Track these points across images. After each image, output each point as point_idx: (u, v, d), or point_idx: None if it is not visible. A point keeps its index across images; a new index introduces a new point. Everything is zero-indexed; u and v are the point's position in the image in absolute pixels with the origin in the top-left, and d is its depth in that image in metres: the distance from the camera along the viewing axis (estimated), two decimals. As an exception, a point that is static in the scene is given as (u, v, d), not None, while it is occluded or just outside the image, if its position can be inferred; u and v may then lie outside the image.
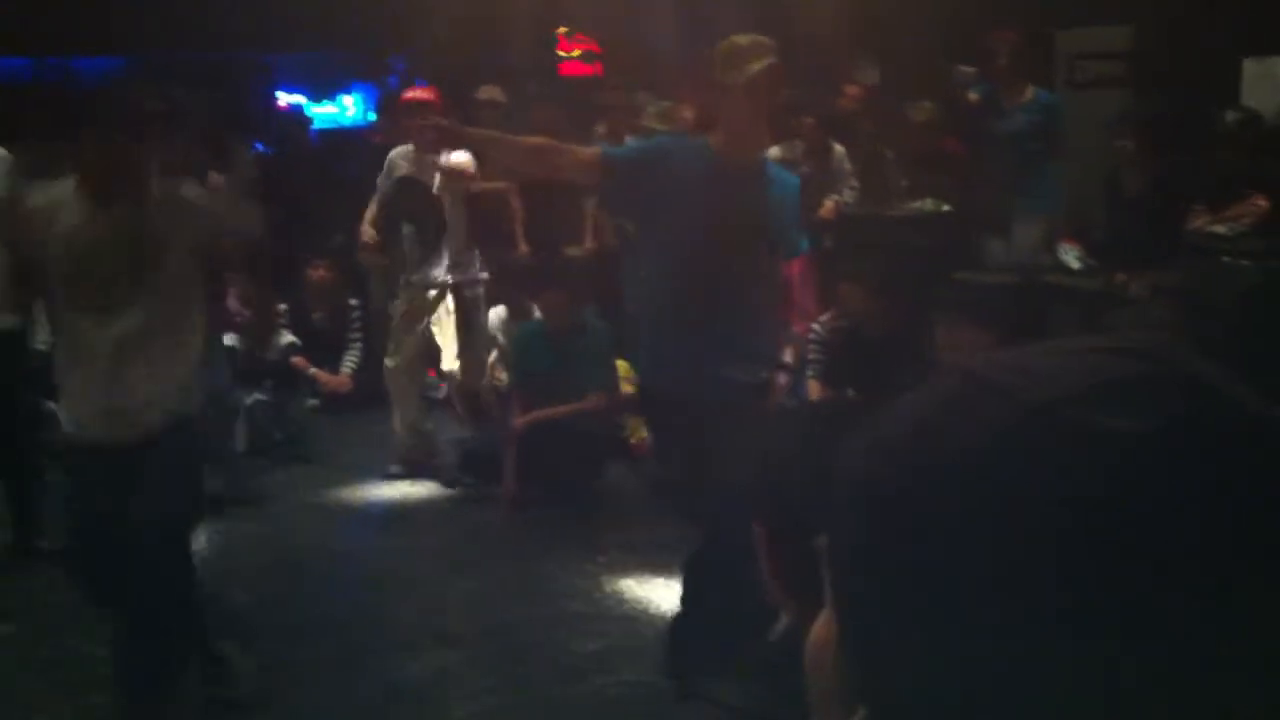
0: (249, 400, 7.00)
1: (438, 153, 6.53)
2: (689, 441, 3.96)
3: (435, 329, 6.75)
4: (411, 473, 6.68)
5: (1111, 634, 0.57)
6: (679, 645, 4.25)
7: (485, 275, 6.84)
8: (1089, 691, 0.58)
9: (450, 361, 6.84)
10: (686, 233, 3.88)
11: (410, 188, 6.64)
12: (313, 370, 7.75)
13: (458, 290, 6.65)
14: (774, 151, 7.87)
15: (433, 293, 6.66)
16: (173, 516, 3.81)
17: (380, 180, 6.80)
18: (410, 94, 7.00)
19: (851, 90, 8.63)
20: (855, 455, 0.67)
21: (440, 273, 6.63)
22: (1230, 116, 7.16)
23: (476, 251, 6.78)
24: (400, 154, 6.78)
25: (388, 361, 6.78)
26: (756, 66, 3.87)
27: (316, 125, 11.58)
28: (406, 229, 6.73)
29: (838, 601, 0.68)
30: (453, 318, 6.73)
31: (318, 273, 7.91)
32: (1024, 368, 0.64)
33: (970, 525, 0.59)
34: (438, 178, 6.57)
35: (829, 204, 7.84)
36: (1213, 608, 0.57)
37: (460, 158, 6.51)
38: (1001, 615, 0.58)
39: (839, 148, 8.03)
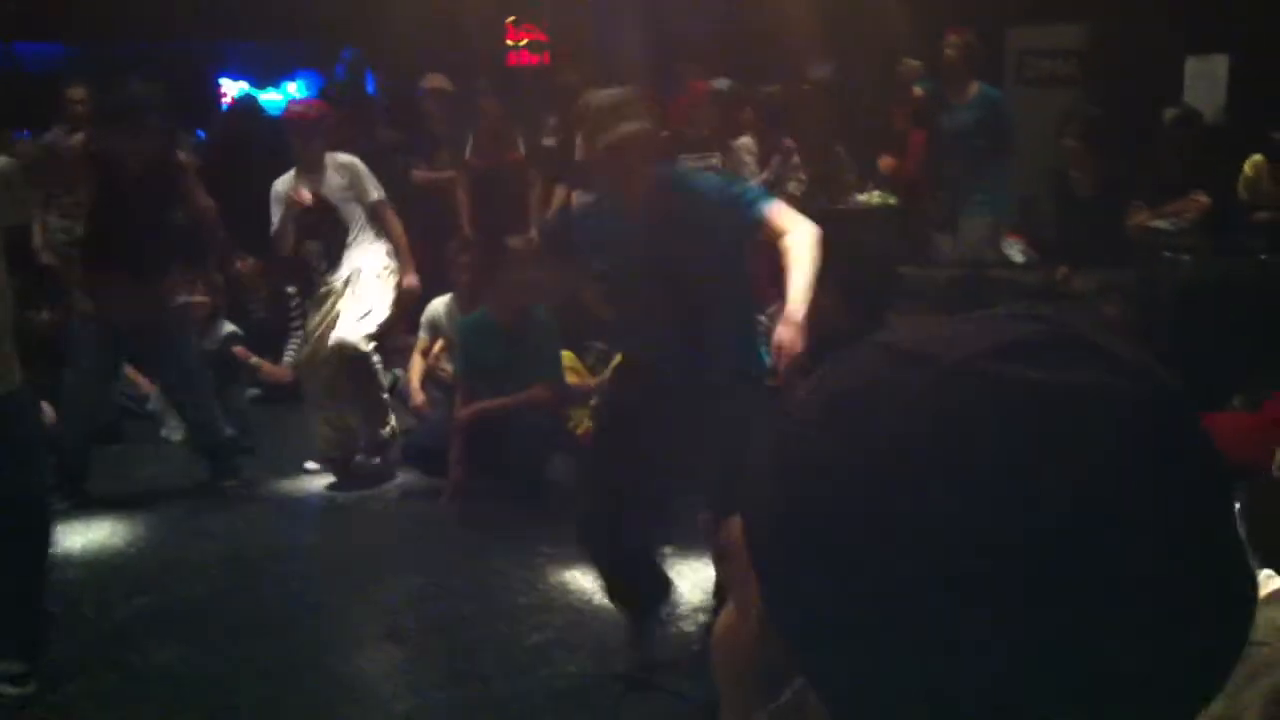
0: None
1: (319, 170, 6.48)
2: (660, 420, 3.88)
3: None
4: (332, 468, 6.59)
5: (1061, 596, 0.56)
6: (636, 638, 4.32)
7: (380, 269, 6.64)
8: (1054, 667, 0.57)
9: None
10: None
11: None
12: (254, 360, 7.67)
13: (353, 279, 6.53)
14: (744, 140, 7.91)
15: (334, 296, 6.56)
16: None
17: (274, 212, 6.61)
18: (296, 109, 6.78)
19: (796, 85, 8.65)
20: (780, 432, 0.65)
21: (342, 274, 6.52)
22: (1170, 114, 7.26)
23: (381, 247, 6.59)
24: (282, 183, 6.60)
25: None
26: (619, 132, 3.68)
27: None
28: (312, 245, 6.69)
29: (766, 581, 0.65)
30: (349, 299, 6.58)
31: (247, 264, 7.80)
32: (933, 335, 0.64)
33: (900, 496, 0.58)
34: (332, 184, 6.46)
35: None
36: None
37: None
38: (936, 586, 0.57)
39: (788, 141, 8.04)
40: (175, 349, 6.29)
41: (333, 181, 6.44)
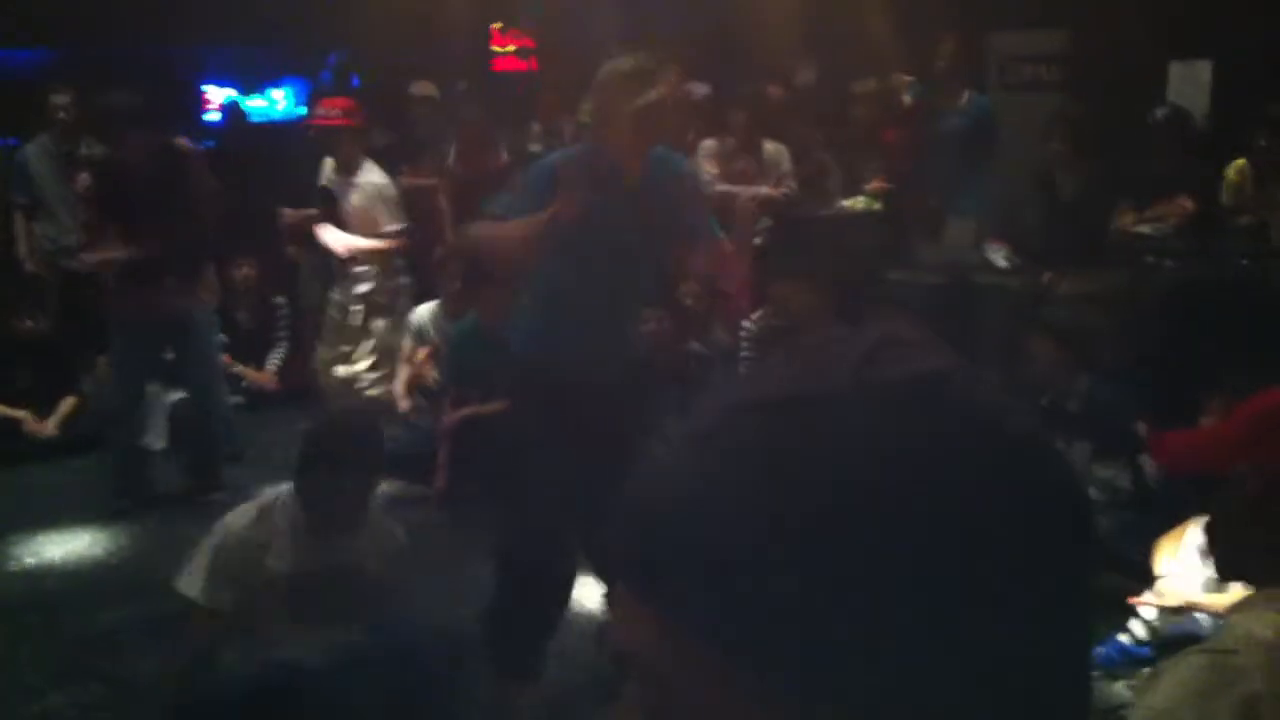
0: (172, 397, 6.88)
1: (353, 173, 6.54)
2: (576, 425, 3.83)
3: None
4: None
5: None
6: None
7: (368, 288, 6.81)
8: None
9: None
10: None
11: (328, 200, 6.63)
12: (238, 367, 7.65)
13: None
14: (707, 144, 7.88)
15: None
16: None
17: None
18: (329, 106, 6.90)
19: (774, 90, 8.58)
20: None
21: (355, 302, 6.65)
22: (1160, 113, 7.26)
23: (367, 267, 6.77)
24: (329, 164, 6.76)
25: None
26: (643, 100, 3.71)
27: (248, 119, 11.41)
28: (303, 257, 6.81)
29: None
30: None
31: (241, 271, 7.79)
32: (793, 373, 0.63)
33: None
34: (352, 198, 6.57)
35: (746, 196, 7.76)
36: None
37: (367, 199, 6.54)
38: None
39: (770, 145, 8.02)
40: (205, 348, 6.29)
41: (354, 197, 6.53)
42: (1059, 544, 0.60)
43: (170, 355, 6.31)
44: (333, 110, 6.67)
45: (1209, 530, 3.46)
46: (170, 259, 5.95)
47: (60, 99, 7.81)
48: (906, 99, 7.81)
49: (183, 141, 6.34)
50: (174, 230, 5.95)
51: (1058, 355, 5.24)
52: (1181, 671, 2.00)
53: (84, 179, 6.37)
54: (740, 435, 0.60)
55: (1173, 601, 3.72)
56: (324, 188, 6.64)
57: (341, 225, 6.58)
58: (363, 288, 6.71)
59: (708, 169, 7.83)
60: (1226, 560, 2.39)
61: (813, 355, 0.64)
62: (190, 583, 3.61)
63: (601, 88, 3.86)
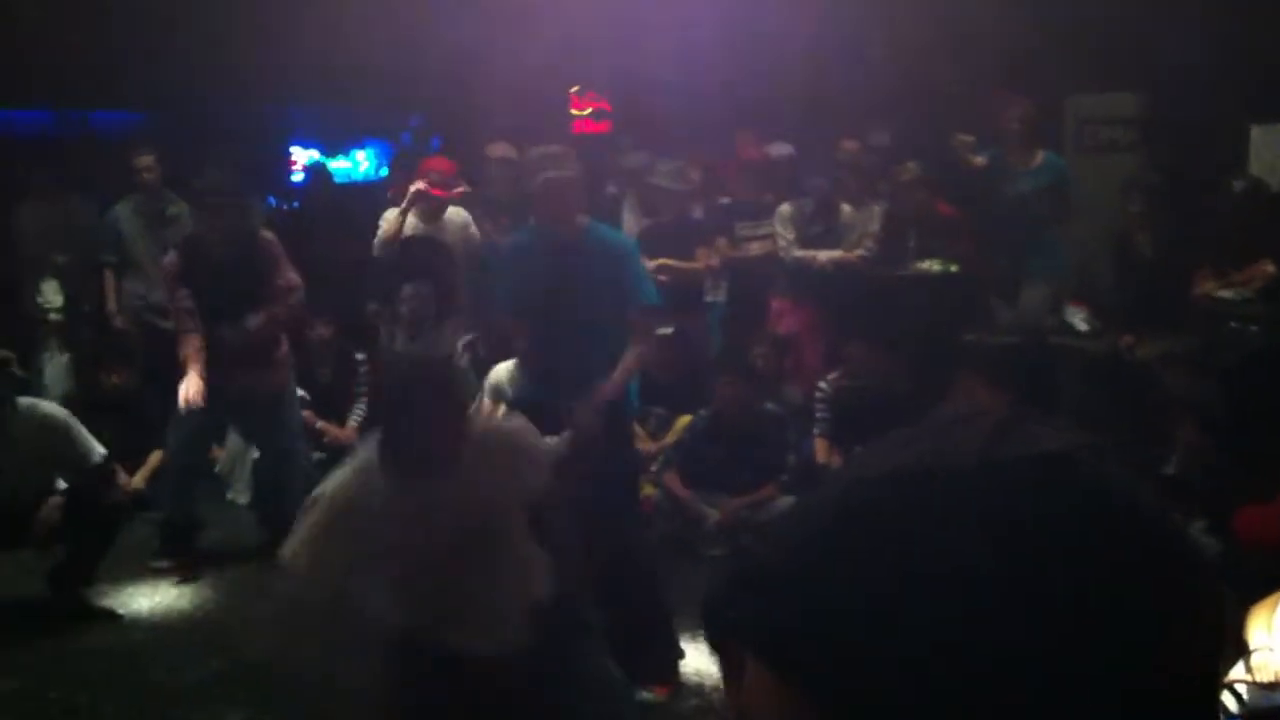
0: (256, 454, 6.98)
1: (437, 220, 6.91)
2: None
3: None
4: None
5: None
6: None
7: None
8: None
9: None
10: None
11: (421, 243, 6.78)
12: (319, 424, 7.74)
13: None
14: (784, 209, 7.90)
15: None
16: None
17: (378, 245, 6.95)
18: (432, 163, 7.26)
19: (849, 145, 8.54)
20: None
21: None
22: (1238, 185, 7.20)
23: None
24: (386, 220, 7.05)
25: None
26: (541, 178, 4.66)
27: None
28: (409, 289, 6.92)
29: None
30: None
31: (321, 331, 7.89)
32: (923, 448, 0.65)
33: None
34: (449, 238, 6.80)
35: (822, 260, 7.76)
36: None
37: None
38: None
39: (848, 208, 8.01)
40: (273, 422, 6.38)
41: (449, 236, 6.78)
42: (1187, 622, 0.61)
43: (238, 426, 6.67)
44: (447, 178, 7.07)
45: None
46: (240, 343, 6.09)
47: (144, 160, 8.03)
48: (979, 160, 7.77)
49: (267, 235, 6.49)
50: (248, 316, 6.11)
51: (1204, 440, 5.21)
52: (1277, 745, 1.98)
53: (170, 258, 6.47)
54: (870, 507, 0.63)
55: (1267, 677, 3.65)
56: (412, 237, 6.89)
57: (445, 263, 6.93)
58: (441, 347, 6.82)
59: (783, 234, 7.84)
60: None
61: (942, 430, 0.66)
62: (295, 556, 3.59)
63: (525, 168, 4.82)
